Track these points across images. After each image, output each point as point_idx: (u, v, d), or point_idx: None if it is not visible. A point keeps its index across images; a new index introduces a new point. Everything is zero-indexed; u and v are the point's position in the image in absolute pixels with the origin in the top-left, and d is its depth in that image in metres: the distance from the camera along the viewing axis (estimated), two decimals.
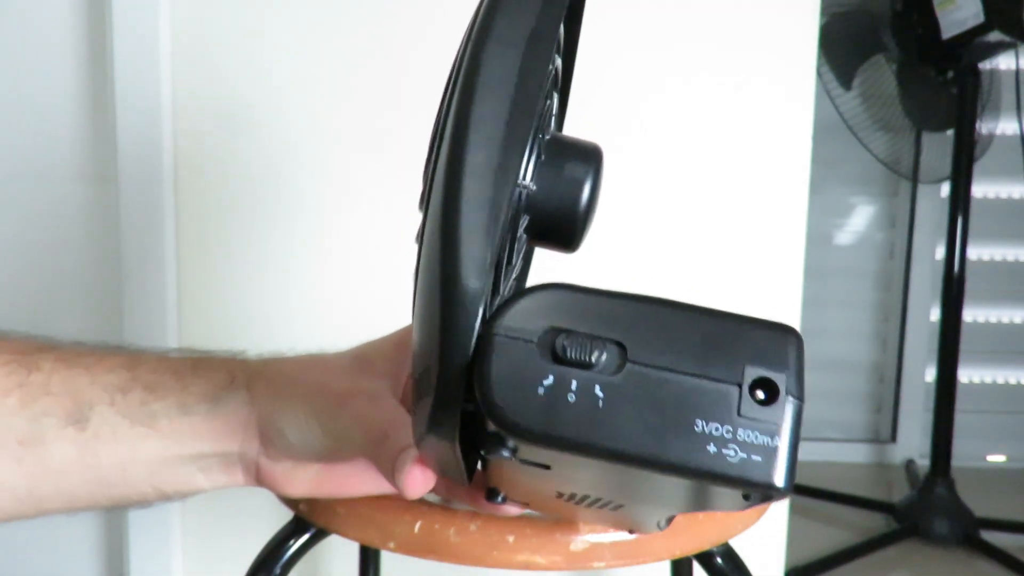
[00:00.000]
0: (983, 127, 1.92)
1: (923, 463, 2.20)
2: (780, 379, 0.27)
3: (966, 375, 2.45)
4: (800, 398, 0.27)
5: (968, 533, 1.96)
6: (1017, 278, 2.49)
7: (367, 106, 1.02)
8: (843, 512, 2.13)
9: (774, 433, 0.26)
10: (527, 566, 0.50)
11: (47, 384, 0.44)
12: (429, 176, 0.31)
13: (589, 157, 0.34)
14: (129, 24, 0.99)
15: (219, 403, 0.44)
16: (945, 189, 2.08)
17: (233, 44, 1.02)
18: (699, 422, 0.26)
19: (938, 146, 2.01)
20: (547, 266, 0.45)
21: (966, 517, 1.98)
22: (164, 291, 1.03)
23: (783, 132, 1.01)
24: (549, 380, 0.26)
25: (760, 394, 0.27)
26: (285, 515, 0.59)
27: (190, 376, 0.45)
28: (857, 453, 2.57)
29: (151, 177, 1.02)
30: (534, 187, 0.32)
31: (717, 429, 0.26)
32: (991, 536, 1.95)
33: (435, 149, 0.31)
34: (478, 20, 0.30)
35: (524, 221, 0.33)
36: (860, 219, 2.55)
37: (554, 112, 0.39)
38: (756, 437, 0.26)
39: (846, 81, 1.89)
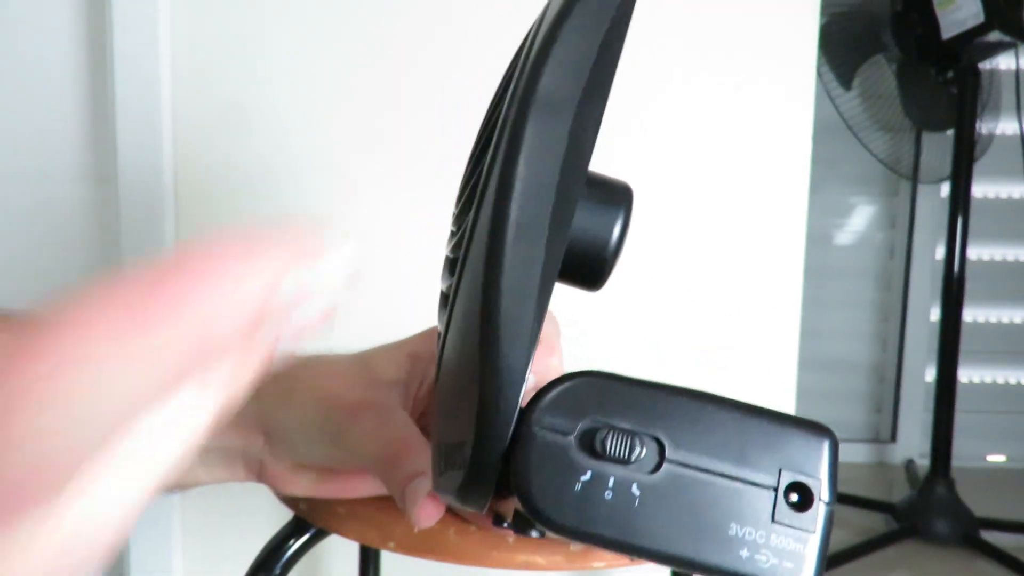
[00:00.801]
0: (983, 127, 1.92)
1: (923, 463, 2.20)
2: (814, 484, 0.27)
3: (966, 375, 2.45)
4: (832, 502, 0.27)
5: (968, 533, 1.96)
6: (1017, 278, 2.49)
7: (366, 106, 1.02)
8: (843, 512, 2.13)
9: (805, 540, 0.26)
10: (527, 566, 0.50)
11: None
12: (468, 229, 0.30)
13: (620, 200, 0.32)
14: (129, 24, 0.99)
15: None
16: (945, 189, 2.08)
17: (233, 44, 1.02)
18: (734, 526, 0.26)
19: (938, 146, 2.01)
20: None
21: (966, 517, 1.98)
22: None
23: (783, 132, 1.01)
24: (587, 476, 0.27)
25: (794, 497, 0.27)
26: (285, 515, 0.59)
27: None
28: (857, 453, 2.57)
29: (151, 177, 1.02)
30: None
31: (751, 534, 0.26)
32: (991, 536, 1.95)
33: (473, 208, 0.29)
34: (529, 66, 0.28)
35: None
36: (860, 219, 2.55)
37: None
38: (789, 543, 0.26)
39: (846, 81, 1.89)
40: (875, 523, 2.08)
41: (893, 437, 2.57)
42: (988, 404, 2.52)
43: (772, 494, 0.27)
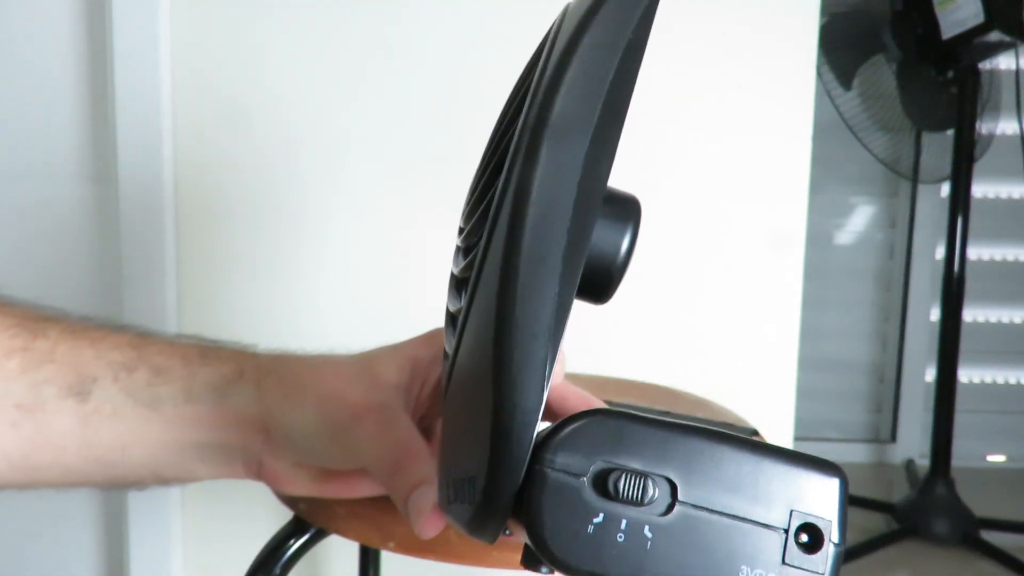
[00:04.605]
0: (983, 127, 1.92)
1: (923, 463, 2.20)
2: (825, 525, 0.27)
3: (966, 375, 2.45)
4: (842, 543, 0.27)
5: (968, 533, 1.96)
6: (1017, 278, 2.49)
7: (367, 106, 1.02)
8: None
9: None
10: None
11: (52, 352, 0.43)
12: (480, 254, 0.29)
13: (629, 215, 0.32)
14: (129, 24, 0.99)
15: (226, 395, 0.44)
16: (945, 189, 2.08)
17: (233, 45, 1.02)
18: (745, 568, 0.26)
19: (938, 146, 2.01)
20: None
21: (966, 517, 1.98)
22: (164, 291, 1.03)
23: (783, 132, 1.01)
24: (599, 518, 0.27)
25: (804, 538, 0.27)
26: (285, 515, 0.59)
27: (198, 364, 0.45)
28: (857, 453, 2.57)
29: (151, 177, 1.02)
30: None
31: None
32: (991, 536, 1.95)
33: (485, 232, 0.29)
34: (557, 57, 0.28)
35: None
36: (860, 219, 2.55)
37: None
38: None
39: (846, 81, 1.89)
40: (875, 523, 2.08)
41: (893, 437, 2.57)
42: (988, 404, 2.52)
43: (783, 535, 0.27)
